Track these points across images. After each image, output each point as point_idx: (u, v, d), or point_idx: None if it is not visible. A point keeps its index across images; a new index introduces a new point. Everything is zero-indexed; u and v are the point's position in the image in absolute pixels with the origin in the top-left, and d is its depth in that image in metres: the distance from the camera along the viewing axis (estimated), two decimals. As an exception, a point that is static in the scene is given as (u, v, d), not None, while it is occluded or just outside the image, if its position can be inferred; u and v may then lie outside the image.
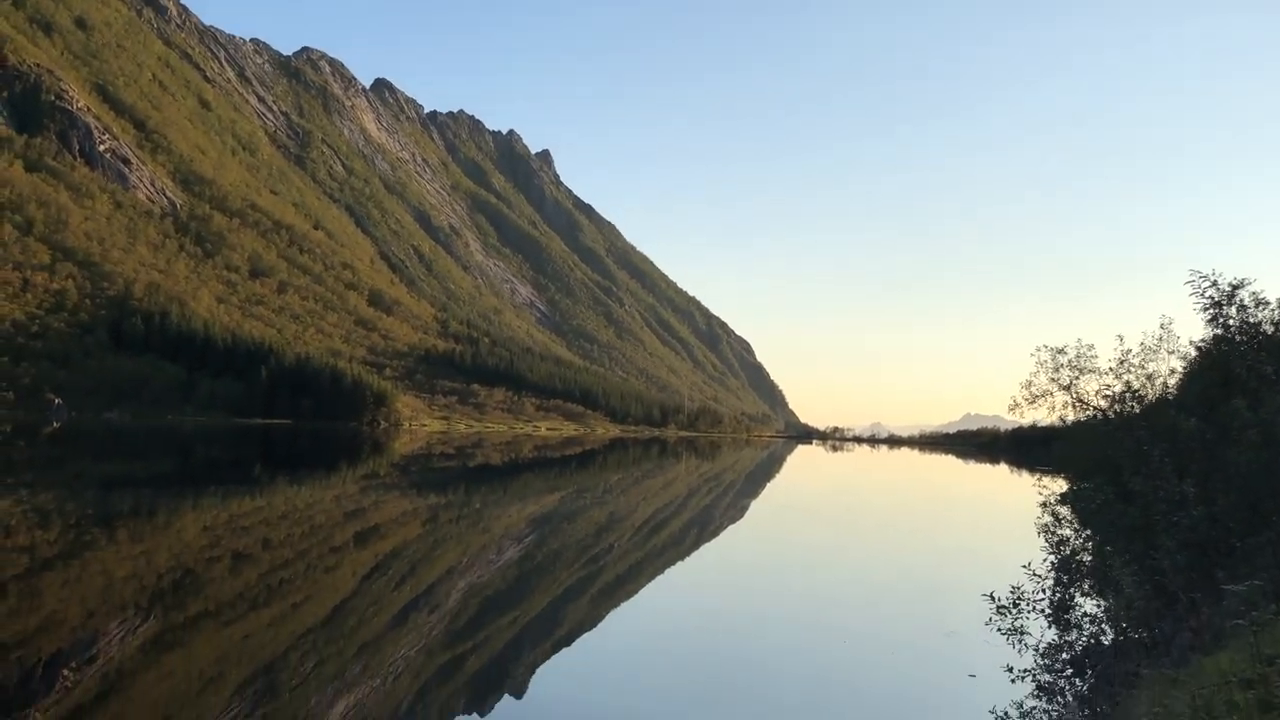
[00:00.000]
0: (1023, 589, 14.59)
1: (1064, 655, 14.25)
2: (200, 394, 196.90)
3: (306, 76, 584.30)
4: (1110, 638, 14.56)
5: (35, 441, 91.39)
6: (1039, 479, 25.57)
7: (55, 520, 33.11)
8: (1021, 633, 13.92)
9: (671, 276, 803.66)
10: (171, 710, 14.72)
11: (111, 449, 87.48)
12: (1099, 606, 15.60)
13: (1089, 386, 17.47)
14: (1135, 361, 17.10)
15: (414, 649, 19.28)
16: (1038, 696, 13.71)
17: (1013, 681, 13.80)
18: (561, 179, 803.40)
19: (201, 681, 16.19)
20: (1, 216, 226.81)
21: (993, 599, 14.31)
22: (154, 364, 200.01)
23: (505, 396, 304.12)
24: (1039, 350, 17.90)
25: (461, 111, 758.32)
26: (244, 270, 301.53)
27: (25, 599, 20.83)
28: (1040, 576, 15.00)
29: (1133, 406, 16.78)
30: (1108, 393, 17.23)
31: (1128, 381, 17.04)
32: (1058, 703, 13.59)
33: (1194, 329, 17.90)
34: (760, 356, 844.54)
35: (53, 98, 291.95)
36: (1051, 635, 14.42)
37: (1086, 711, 12.63)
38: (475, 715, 15.82)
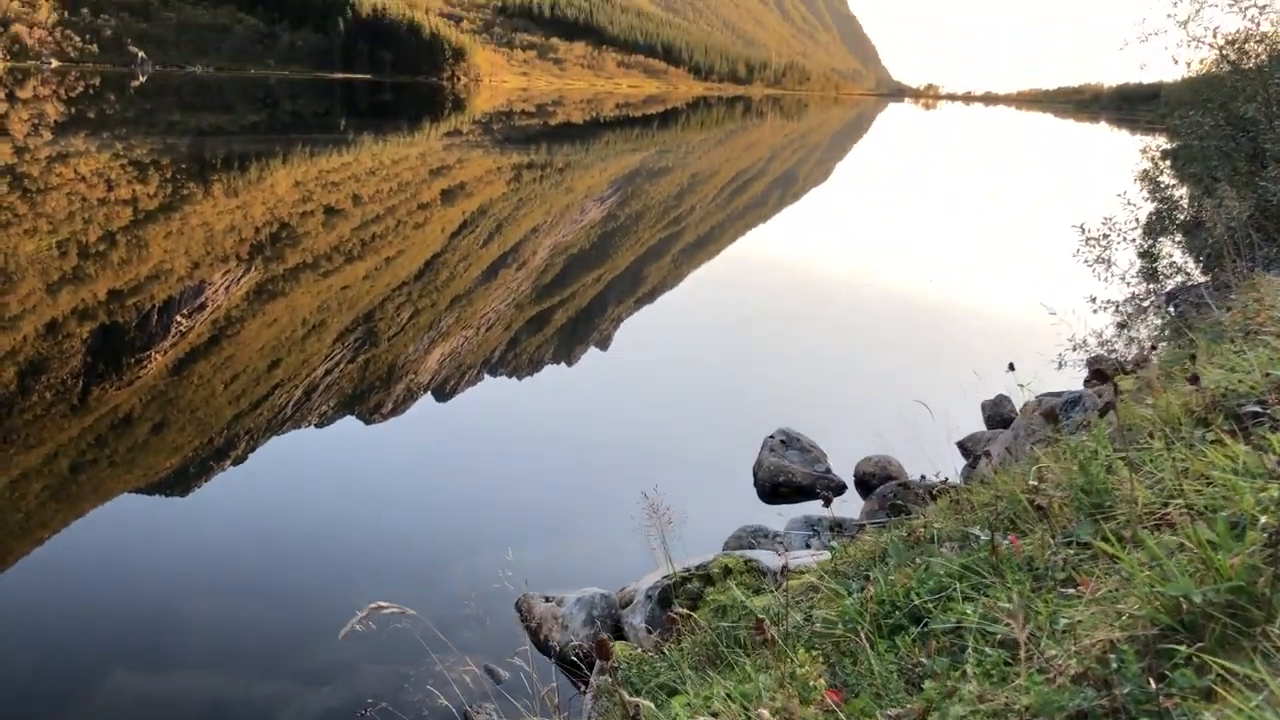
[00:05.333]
0: (1114, 220, 14.24)
1: (1150, 287, 13.97)
2: (280, 46, 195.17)
3: None
4: (1200, 280, 14.14)
5: (124, 95, 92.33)
6: (1140, 134, 24.54)
7: (153, 174, 34.01)
8: (1109, 264, 13.73)
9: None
10: (279, 354, 15.68)
11: (199, 102, 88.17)
12: (1188, 254, 15.12)
13: (1208, 23, 15.83)
14: None
15: (503, 302, 20.02)
16: (1120, 328, 13.48)
17: (1094, 312, 13.61)
18: None
19: (305, 329, 17.12)
20: None
21: (1082, 231, 14.06)
22: (232, 15, 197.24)
23: (585, 51, 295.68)
24: None
25: None
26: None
27: (134, 249, 21.81)
28: (1134, 205, 14.63)
29: (1255, 45, 15.27)
30: (1228, 33, 15.64)
31: (1252, 15, 15.31)
32: (1137, 334, 13.25)
33: None
34: (854, 6, 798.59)
35: None
36: (1139, 266, 14.10)
37: (1169, 334, 12.10)
38: (563, 365, 16.60)
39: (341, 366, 15.24)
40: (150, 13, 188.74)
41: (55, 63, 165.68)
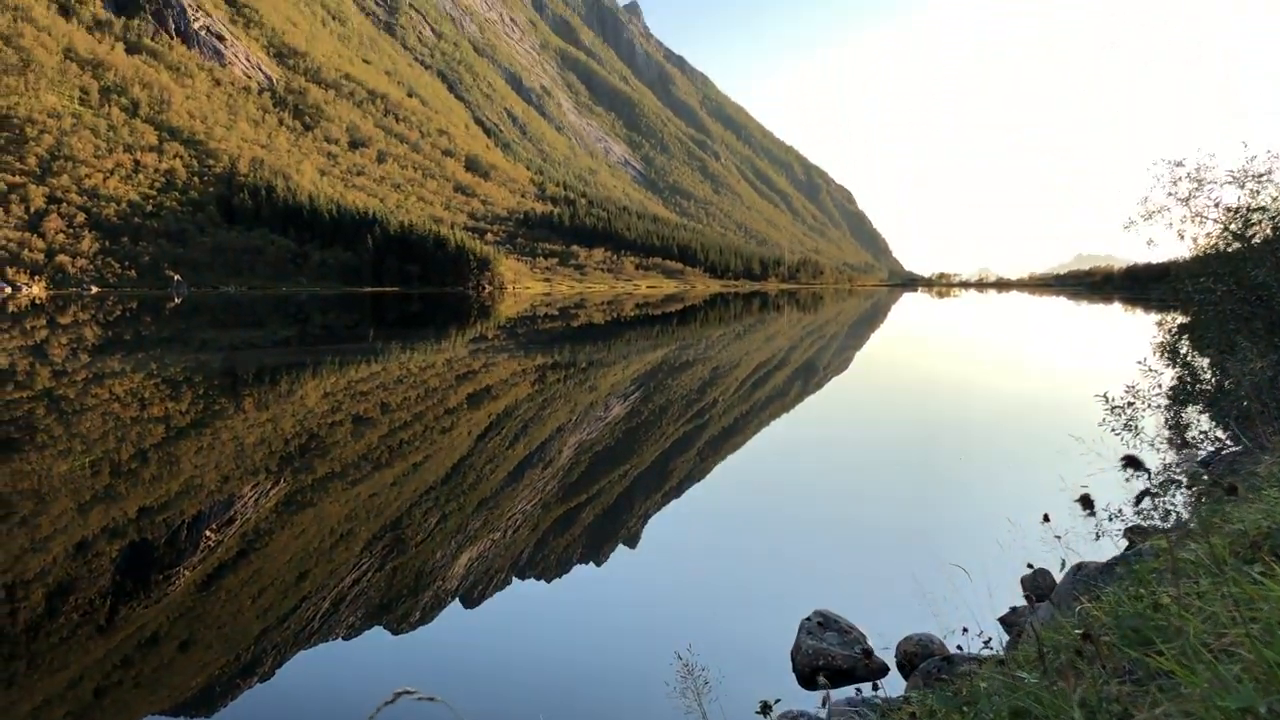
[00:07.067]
0: (1137, 388, 14.39)
1: (1182, 454, 13.89)
2: (311, 264, 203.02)
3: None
4: (1233, 448, 14.09)
5: (160, 316, 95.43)
6: (1155, 311, 24.96)
7: (186, 391, 34.75)
8: (1136, 431, 13.74)
9: (768, 127, 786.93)
10: (307, 565, 15.57)
11: (232, 320, 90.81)
12: (1216, 422, 15.10)
13: (1209, 199, 16.33)
14: (1261, 169, 15.69)
15: (530, 503, 19.94)
16: (1155, 495, 13.25)
17: (1127, 480, 13.33)
18: (651, 31, 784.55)
19: (333, 539, 17.05)
20: (109, 100, 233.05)
21: (1106, 399, 14.15)
22: (265, 237, 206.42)
23: (605, 256, 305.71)
24: (1155, 164, 16.84)
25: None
26: (343, 142, 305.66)
27: (165, 466, 22.06)
28: (1156, 372, 14.79)
29: (1257, 214, 15.67)
30: (1229, 205, 16.10)
31: (1252, 190, 15.77)
32: (1173, 502, 13.03)
33: None
34: (862, 204, 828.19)
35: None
36: (1168, 435, 14.19)
37: (1205, 502, 11.97)
38: (591, 564, 16.36)
39: (369, 576, 15.08)
40: (186, 238, 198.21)
41: (95, 288, 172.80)
